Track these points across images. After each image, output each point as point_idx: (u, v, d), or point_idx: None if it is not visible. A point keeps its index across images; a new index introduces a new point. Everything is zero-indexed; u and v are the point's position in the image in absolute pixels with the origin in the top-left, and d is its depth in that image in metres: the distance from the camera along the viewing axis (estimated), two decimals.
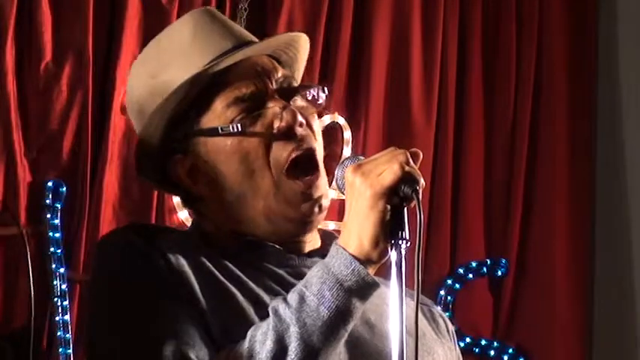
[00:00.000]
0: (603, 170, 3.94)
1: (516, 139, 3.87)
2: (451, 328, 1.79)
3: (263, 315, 1.51)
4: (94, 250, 1.65)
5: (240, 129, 1.63)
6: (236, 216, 1.66)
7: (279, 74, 1.70)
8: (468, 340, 3.68)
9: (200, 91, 1.66)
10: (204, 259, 1.58)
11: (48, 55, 3.16)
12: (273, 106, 1.66)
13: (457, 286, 3.71)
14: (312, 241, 1.70)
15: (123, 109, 3.25)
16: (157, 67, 1.71)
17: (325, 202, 1.65)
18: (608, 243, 3.91)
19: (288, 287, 1.56)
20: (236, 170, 1.64)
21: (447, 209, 3.74)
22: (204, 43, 1.69)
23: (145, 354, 1.50)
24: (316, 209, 1.64)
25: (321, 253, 1.66)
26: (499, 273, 3.79)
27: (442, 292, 3.68)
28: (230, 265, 1.60)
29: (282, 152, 1.63)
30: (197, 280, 1.55)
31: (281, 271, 1.62)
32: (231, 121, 1.64)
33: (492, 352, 3.72)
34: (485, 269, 3.77)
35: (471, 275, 3.74)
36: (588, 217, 3.91)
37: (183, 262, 1.56)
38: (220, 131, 1.64)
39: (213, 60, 1.66)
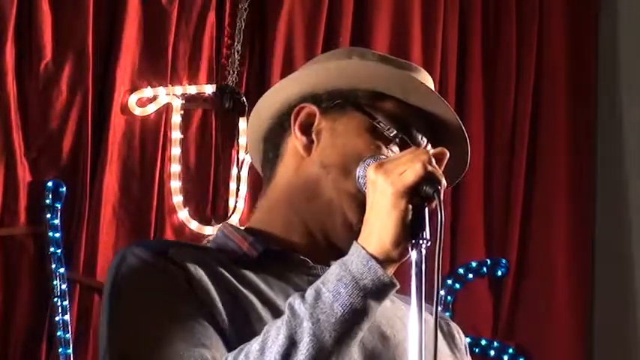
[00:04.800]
0: (604, 170, 3.94)
1: (516, 139, 3.87)
2: (465, 342, 1.79)
3: None
4: (109, 265, 1.63)
5: (393, 137, 1.63)
6: (303, 195, 1.66)
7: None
8: (468, 340, 3.68)
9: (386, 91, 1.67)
10: (221, 269, 1.57)
11: (48, 55, 3.16)
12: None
13: (457, 286, 3.71)
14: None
15: (123, 110, 3.26)
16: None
17: None
18: (608, 243, 3.91)
19: None
20: (348, 150, 1.63)
21: (447, 209, 3.74)
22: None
23: (162, 356, 1.49)
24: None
25: None
26: (499, 273, 3.79)
27: (442, 292, 3.68)
28: (249, 273, 1.59)
29: None
30: (216, 289, 1.54)
31: (301, 281, 1.61)
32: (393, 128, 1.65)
33: (492, 352, 3.72)
34: (485, 269, 3.77)
35: (471, 275, 3.74)
36: (588, 217, 3.91)
37: (201, 271, 1.55)
38: (378, 124, 1.64)
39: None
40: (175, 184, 3.31)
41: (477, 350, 3.71)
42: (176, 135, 3.33)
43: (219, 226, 1.74)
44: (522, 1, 3.93)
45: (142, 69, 3.30)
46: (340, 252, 1.60)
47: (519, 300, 3.82)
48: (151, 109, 3.30)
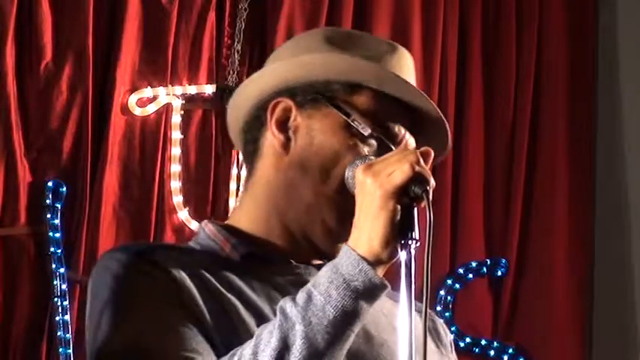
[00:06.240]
0: (603, 170, 3.94)
1: (516, 139, 3.87)
2: (450, 338, 1.78)
3: None
4: (91, 272, 1.62)
5: (370, 135, 1.62)
6: (283, 198, 1.65)
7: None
8: (468, 340, 3.68)
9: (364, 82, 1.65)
10: (204, 272, 1.56)
11: (48, 55, 3.17)
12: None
13: (457, 286, 3.71)
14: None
15: (123, 110, 3.26)
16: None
17: None
18: (608, 243, 3.91)
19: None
20: (325, 151, 1.62)
21: (447, 209, 3.74)
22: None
23: None
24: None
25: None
26: (499, 273, 3.79)
27: (442, 292, 3.68)
28: (232, 276, 1.58)
29: None
30: (199, 293, 1.53)
31: (284, 281, 1.61)
32: (367, 126, 1.62)
33: (492, 352, 3.72)
34: (485, 269, 3.77)
35: (471, 275, 3.74)
36: (588, 217, 3.91)
37: (184, 275, 1.54)
38: (352, 122, 1.62)
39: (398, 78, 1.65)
40: (175, 184, 3.31)
41: (477, 350, 3.71)
42: (176, 135, 3.33)
43: (202, 223, 1.72)
44: (522, 1, 3.93)
45: (142, 69, 3.30)
46: (322, 253, 1.62)
47: (519, 300, 3.82)
48: (151, 109, 3.30)
